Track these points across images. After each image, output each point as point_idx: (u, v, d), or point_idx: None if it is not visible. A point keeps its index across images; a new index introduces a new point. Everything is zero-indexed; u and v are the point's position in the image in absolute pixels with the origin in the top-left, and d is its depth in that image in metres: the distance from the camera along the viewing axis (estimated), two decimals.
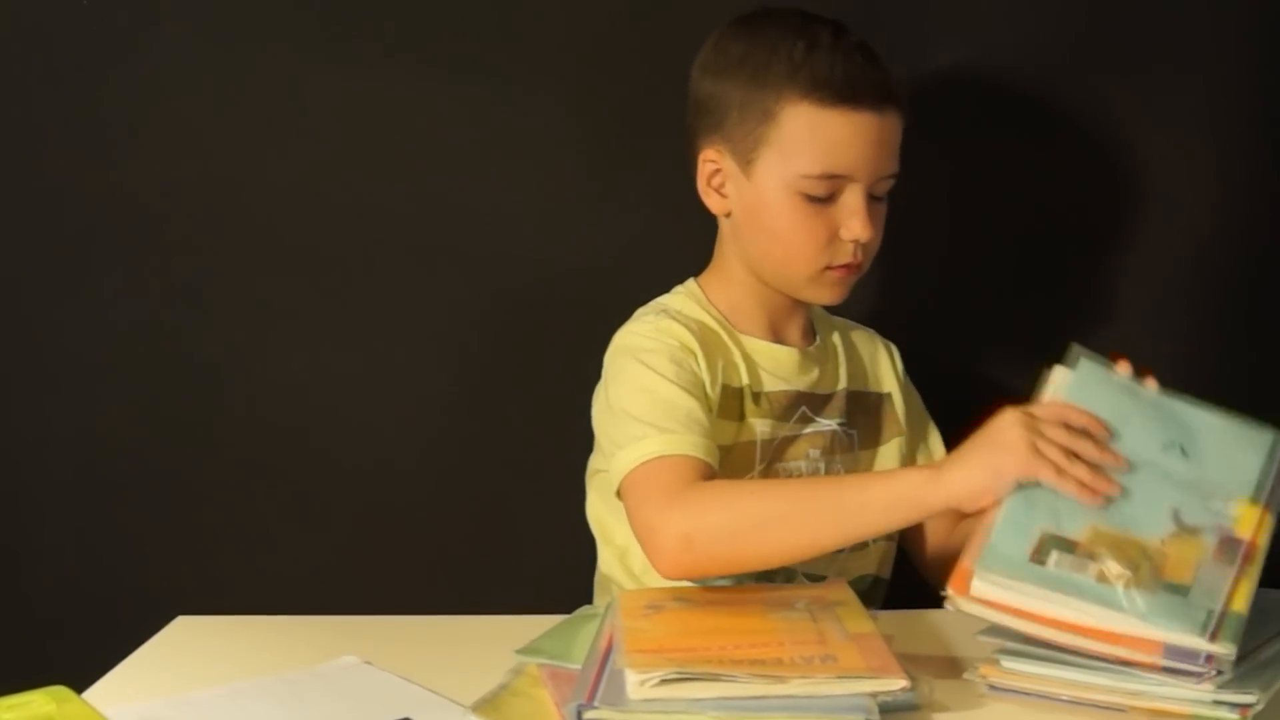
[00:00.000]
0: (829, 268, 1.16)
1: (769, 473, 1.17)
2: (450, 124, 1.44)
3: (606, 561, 1.23)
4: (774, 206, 1.15)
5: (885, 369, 1.30)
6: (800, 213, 1.14)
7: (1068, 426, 0.96)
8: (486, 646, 1.00)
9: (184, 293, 1.46)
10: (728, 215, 1.20)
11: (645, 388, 1.12)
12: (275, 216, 1.45)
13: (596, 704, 0.86)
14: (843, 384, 1.23)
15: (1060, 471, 0.93)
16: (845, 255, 1.15)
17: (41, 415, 1.49)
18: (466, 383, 1.47)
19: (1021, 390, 1.06)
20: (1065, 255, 1.49)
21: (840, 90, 1.11)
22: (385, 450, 1.47)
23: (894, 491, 0.99)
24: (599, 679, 0.90)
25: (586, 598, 1.24)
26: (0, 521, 1.50)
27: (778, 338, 1.22)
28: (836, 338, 1.27)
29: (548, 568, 1.37)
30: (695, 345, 1.16)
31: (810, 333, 1.25)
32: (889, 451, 1.26)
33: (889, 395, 1.28)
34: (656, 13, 1.41)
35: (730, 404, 1.17)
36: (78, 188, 1.45)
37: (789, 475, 1.17)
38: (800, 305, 1.23)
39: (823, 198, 1.13)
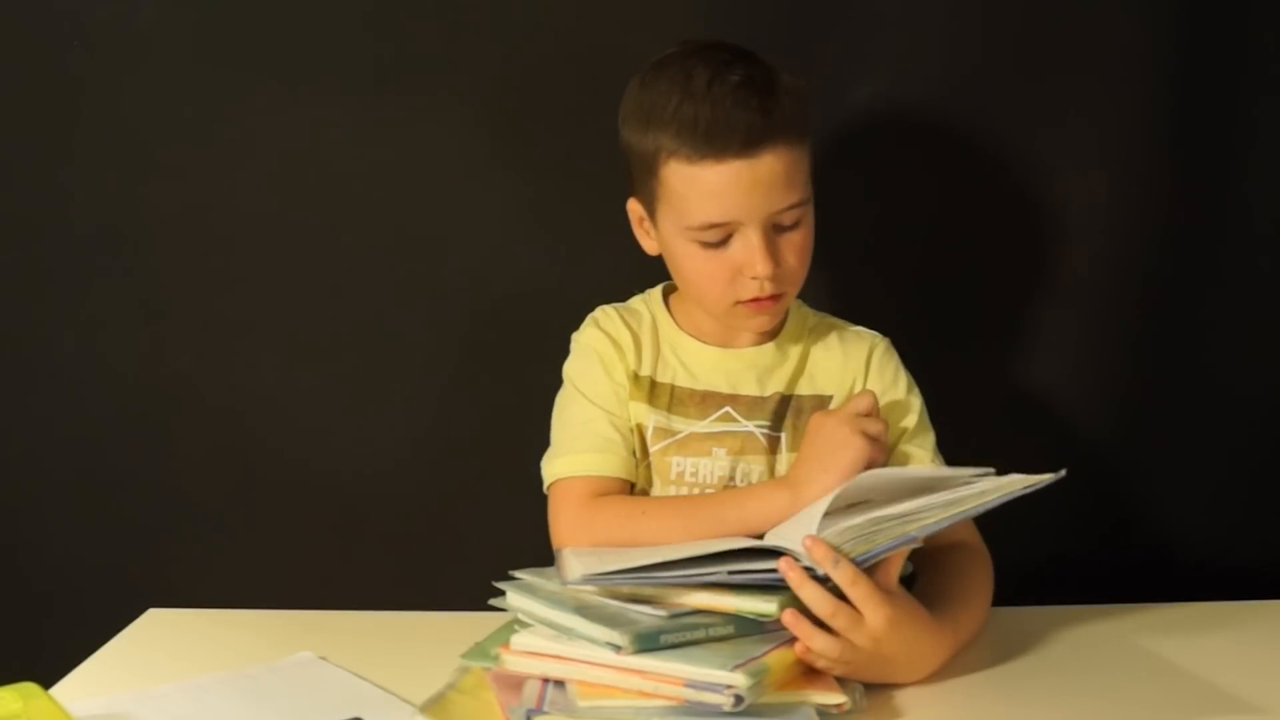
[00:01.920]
0: (739, 302, 1.17)
1: (662, 463, 1.20)
2: (408, 152, 1.48)
3: None
4: (676, 253, 1.18)
5: (845, 372, 1.25)
6: (698, 258, 1.16)
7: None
8: (439, 643, 1.03)
9: (162, 309, 1.51)
10: (658, 255, 1.23)
11: (565, 407, 1.24)
12: (246, 240, 1.50)
13: (545, 709, 0.90)
14: (778, 389, 1.22)
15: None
16: (752, 290, 1.16)
17: (28, 422, 1.54)
18: (424, 391, 1.52)
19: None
20: (979, 271, 1.52)
21: (703, 144, 1.11)
22: (350, 454, 1.52)
23: (764, 509, 1.08)
24: (546, 684, 0.93)
25: None
26: None
27: (725, 341, 1.25)
28: (802, 344, 1.25)
29: (501, 565, 1.42)
30: (626, 338, 1.24)
31: (774, 337, 1.26)
32: None
33: (830, 399, 1.24)
34: (595, 44, 1.44)
35: (637, 390, 1.22)
36: (66, 215, 1.50)
37: (688, 469, 1.20)
38: None
39: (717, 243, 1.15)
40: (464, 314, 1.51)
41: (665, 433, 1.21)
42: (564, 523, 1.16)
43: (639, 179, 1.19)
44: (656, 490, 1.20)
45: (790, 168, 1.14)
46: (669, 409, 1.22)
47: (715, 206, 1.13)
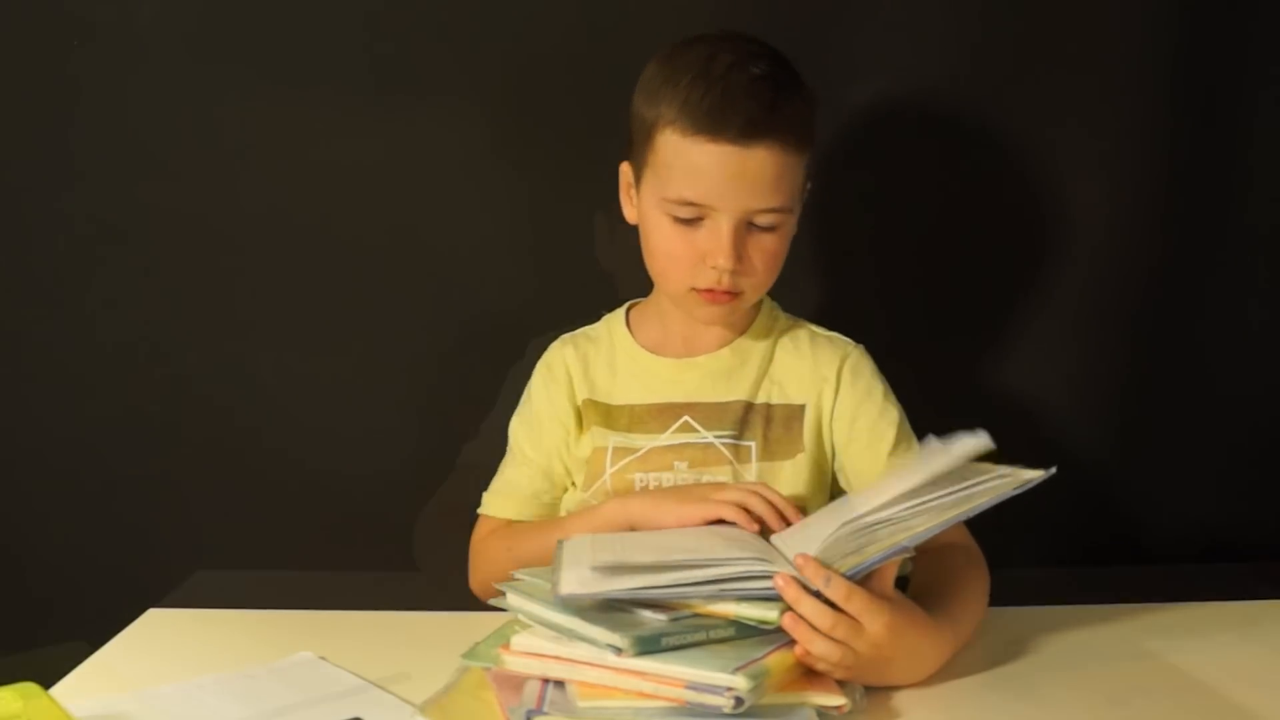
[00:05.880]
0: (695, 289, 1.17)
1: (624, 481, 1.21)
2: (409, 152, 1.49)
3: None
4: (650, 223, 1.19)
5: (814, 380, 1.24)
6: (668, 233, 1.16)
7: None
8: (439, 643, 1.03)
9: (162, 309, 1.52)
10: (635, 225, 1.24)
11: (509, 446, 1.32)
12: (246, 240, 1.51)
13: (545, 709, 0.89)
14: (740, 395, 1.22)
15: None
16: (709, 280, 1.16)
17: (29, 421, 1.54)
18: (424, 390, 1.53)
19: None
20: (979, 263, 1.53)
21: (702, 120, 1.10)
22: (350, 453, 1.54)
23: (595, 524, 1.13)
24: (546, 684, 0.93)
25: None
26: None
27: (683, 352, 1.25)
28: (765, 347, 1.25)
29: None
30: (567, 368, 1.27)
31: (733, 341, 1.25)
32: (799, 465, 1.21)
33: (802, 408, 1.23)
34: (596, 45, 1.46)
35: (594, 416, 1.24)
36: (67, 214, 1.51)
37: (650, 484, 1.21)
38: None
39: (688, 220, 1.15)
40: (465, 313, 1.52)
41: (626, 451, 1.22)
42: (470, 551, 1.29)
43: (636, 144, 1.19)
44: None
45: (780, 170, 1.13)
46: (629, 429, 1.22)
47: (696, 185, 1.13)
